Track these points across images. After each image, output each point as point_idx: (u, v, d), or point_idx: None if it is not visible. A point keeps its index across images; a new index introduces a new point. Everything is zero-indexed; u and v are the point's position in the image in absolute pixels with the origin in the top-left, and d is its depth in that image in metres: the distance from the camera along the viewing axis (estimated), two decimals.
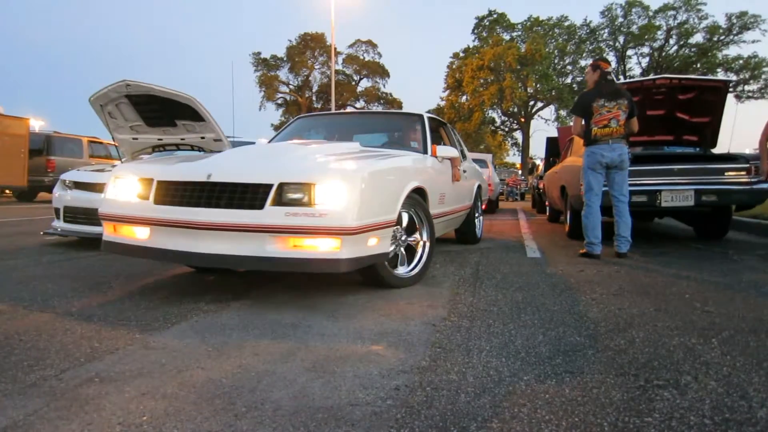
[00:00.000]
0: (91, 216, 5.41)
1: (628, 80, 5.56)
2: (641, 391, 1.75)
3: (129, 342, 2.30)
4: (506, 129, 43.07)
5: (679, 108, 5.91)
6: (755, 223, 6.51)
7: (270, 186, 2.91)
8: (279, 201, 2.90)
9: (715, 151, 6.32)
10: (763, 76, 34.79)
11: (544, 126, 38.04)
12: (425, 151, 4.56)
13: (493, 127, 41.87)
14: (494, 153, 42.59)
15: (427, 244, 3.77)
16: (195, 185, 3.07)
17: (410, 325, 2.61)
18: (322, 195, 2.87)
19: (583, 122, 4.92)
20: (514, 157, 45.69)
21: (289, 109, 43.29)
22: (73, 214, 5.56)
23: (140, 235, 3.22)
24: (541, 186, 11.98)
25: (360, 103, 43.38)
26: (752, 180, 5.22)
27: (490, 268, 4.33)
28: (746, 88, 35.20)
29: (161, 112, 6.13)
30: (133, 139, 6.58)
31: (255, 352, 2.18)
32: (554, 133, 14.34)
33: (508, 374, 1.92)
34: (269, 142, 5.28)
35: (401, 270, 3.59)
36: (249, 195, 2.94)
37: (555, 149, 11.68)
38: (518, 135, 42.51)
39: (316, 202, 2.87)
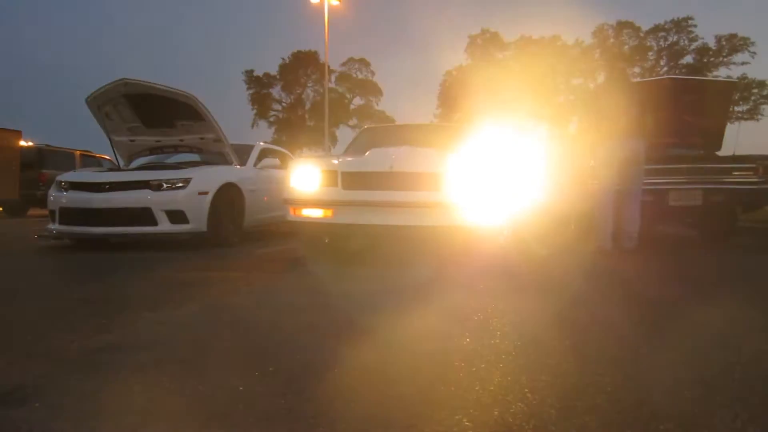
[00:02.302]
0: (88, 216, 5.27)
1: (635, 81, 5.51)
2: None
3: (139, 318, 2.17)
4: None
5: (684, 109, 5.90)
6: (760, 227, 6.47)
7: (443, 173, 3.79)
8: (449, 185, 3.77)
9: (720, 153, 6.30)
10: (752, 98, 35.22)
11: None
12: None
13: None
14: None
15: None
16: (380, 174, 3.87)
17: (432, 307, 2.51)
18: (483, 178, 3.82)
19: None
20: None
21: (282, 126, 43.26)
22: (70, 215, 5.40)
23: (324, 214, 3.96)
24: None
25: (353, 121, 43.48)
26: (760, 180, 5.19)
27: (498, 259, 4.23)
28: (736, 109, 35.62)
29: (160, 113, 6.02)
30: (131, 141, 6.47)
31: (274, 326, 2.06)
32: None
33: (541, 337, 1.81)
34: (345, 151, 5.79)
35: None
36: (428, 181, 3.80)
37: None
38: None
39: (479, 182, 3.79)
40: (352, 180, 3.93)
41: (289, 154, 8.52)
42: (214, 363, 1.59)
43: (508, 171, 4.01)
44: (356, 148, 5.70)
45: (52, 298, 2.65)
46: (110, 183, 5.31)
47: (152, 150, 6.62)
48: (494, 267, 3.78)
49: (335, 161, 4.16)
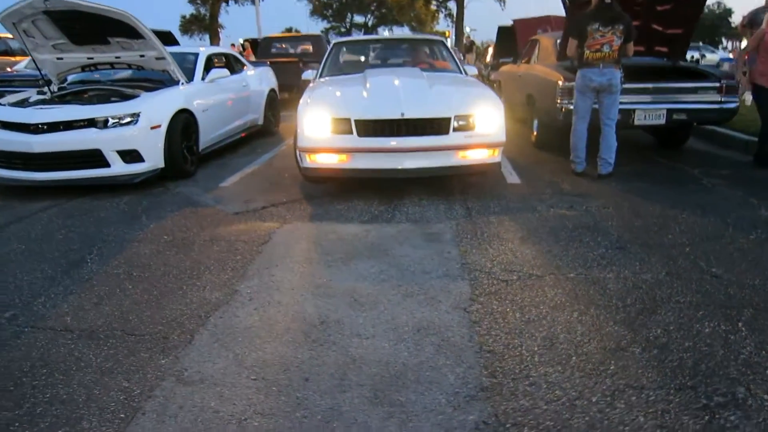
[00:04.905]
0: (29, 160, 4.79)
1: None
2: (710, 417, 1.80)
3: (159, 375, 2.10)
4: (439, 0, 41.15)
5: (655, 19, 5.74)
6: (710, 131, 6.71)
7: (450, 119, 4.19)
8: (456, 128, 4.20)
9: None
10: None
11: None
12: (461, 72, 5.66)
13: None
14: (425, 22, 41.41)
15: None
16: (392, 122, 4.15)
17: (441, 311, 2.57)
18: (483, 120, 4.27)
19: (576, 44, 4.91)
20: (444, 28, 44.08)
21: None
22: (7, 159, 4.88)
23: (339, 159, 4.31)
24: (493, 78, 11.48)
25: None
26: (722, 99, 5.30)
27: (478, 205, 4.26)
28: None
29: (90, 30, 5.33)
30: (58, 59, 5.76)
31: (304, 377, 2.07)
32: (499, 15, 13.68)
33: (575, 394, 1.92)
34: (320, 72, 5.80)
35: None
36: (437, 126, 4.18)
37: (507, 41, 11.30)
38: (452, 5, 40.64)
39: (480, 125, 4.26)
40: (365, 127, 4.19)
41: (235, 53, 7.84)
42: None
43: (500, 106, 4.41)
44: (334, 67, 5.96)
45: (46, 328, 2.51)
46: (47, 123, 4.79)
47: (84, 67, 5.94)
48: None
49: (344, 108, 4.35)
